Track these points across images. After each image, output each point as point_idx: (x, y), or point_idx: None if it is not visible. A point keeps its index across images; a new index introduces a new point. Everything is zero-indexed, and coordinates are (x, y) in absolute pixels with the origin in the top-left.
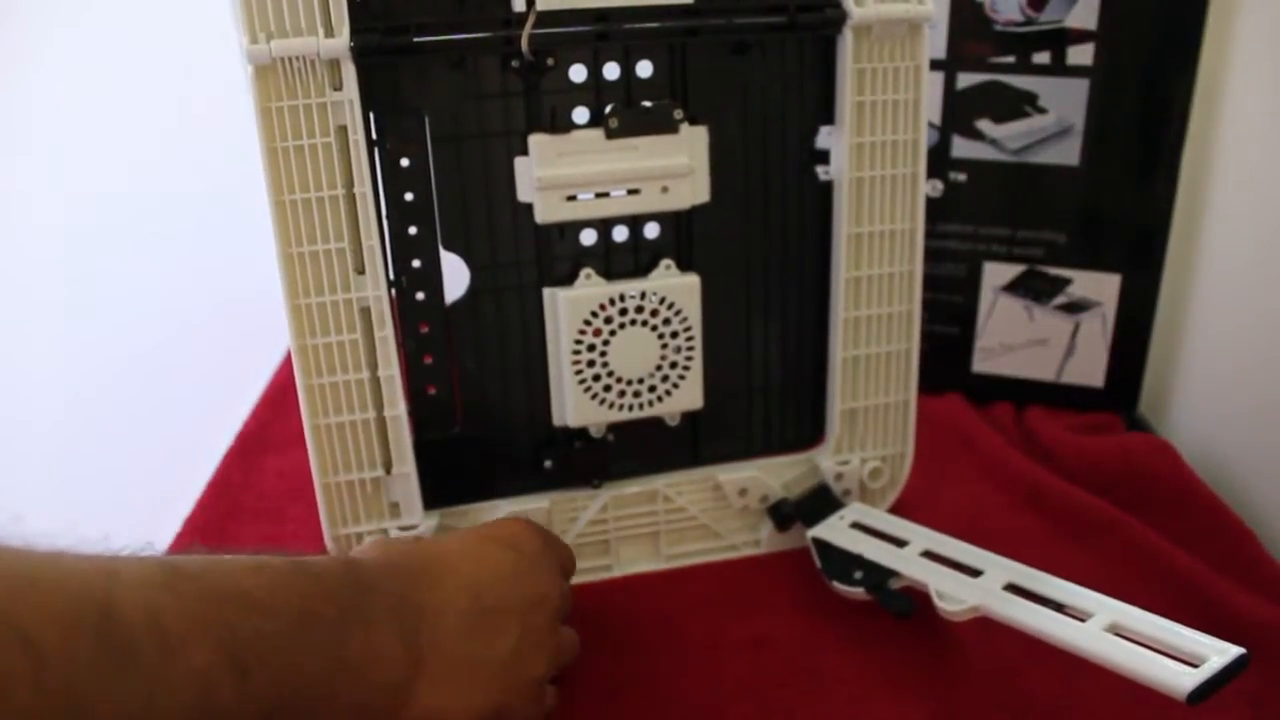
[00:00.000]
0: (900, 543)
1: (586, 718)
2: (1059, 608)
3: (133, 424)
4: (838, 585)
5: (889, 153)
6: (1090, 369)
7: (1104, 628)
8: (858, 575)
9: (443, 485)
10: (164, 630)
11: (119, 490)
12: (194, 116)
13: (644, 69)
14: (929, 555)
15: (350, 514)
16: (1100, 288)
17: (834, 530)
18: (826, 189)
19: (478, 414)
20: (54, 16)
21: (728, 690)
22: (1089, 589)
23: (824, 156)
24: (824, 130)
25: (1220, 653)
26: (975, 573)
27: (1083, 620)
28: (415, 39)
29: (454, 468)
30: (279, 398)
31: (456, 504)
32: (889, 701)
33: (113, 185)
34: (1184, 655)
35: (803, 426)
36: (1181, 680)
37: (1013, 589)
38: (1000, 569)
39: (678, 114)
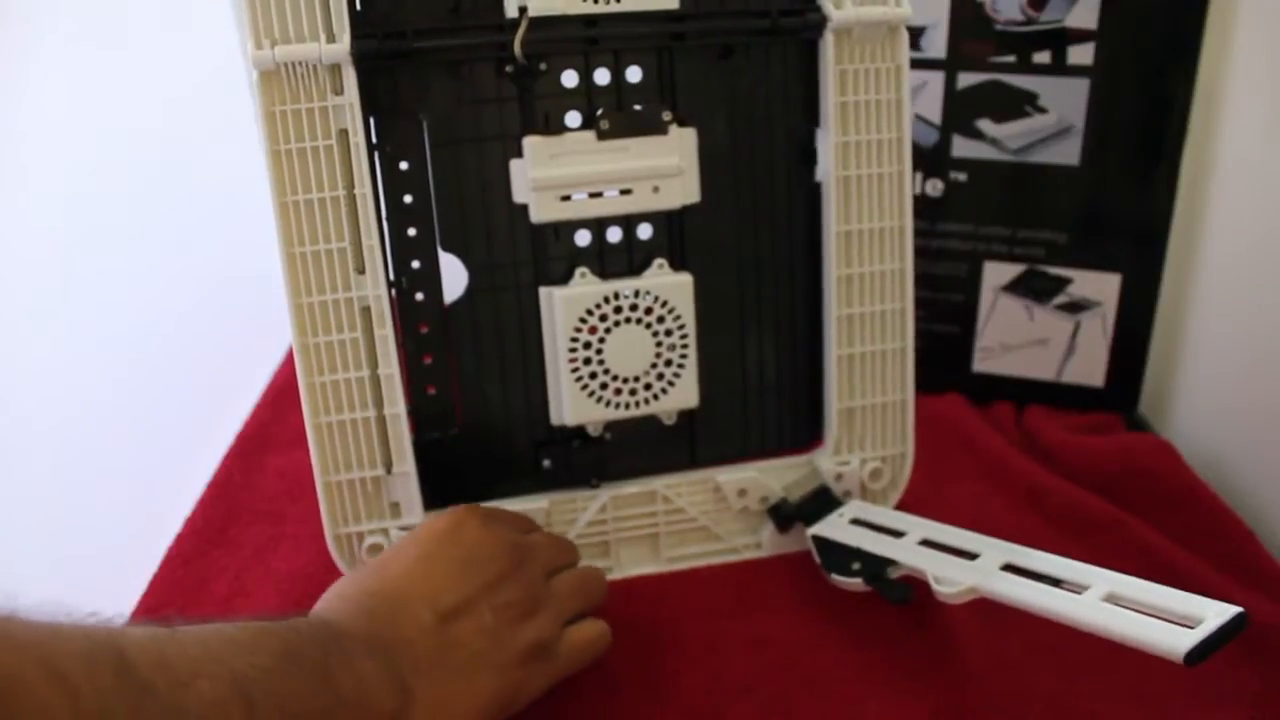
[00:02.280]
0: (898, 534)
1: (587, 717)
2: (1056, 583)
3: (133, 424)
4: (836, 578)
5: (874, 152)
6: (1090, 369)
7: (1101, 598)
8: (855, 566)
9: (443, 485)
10: (173, 668)
11: (119, 490)
12: (195, 117)
13: (633, 74)
14: (926, 543)
15: (351, 513)
16: (1100, 288)
17: (833, 526)
18: (816, 189)
19: (477, 413)
20: (57, 13)
21: (728, 690)
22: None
23: (815, 156)
24: (818, 132)
25: (1218, 614)
26: (972, 556)
27: (1079, 593)
28: (413, 45)
29: (454, 468)
30: (279, 397)
31: (457, 503)
32: (889, 701)
33: (114, 184)
34: (1182, 618)
35: (801, 427)
36: (1179, 641)
37: (1009, 568)
38: (996, 551)
39: (666, 115)
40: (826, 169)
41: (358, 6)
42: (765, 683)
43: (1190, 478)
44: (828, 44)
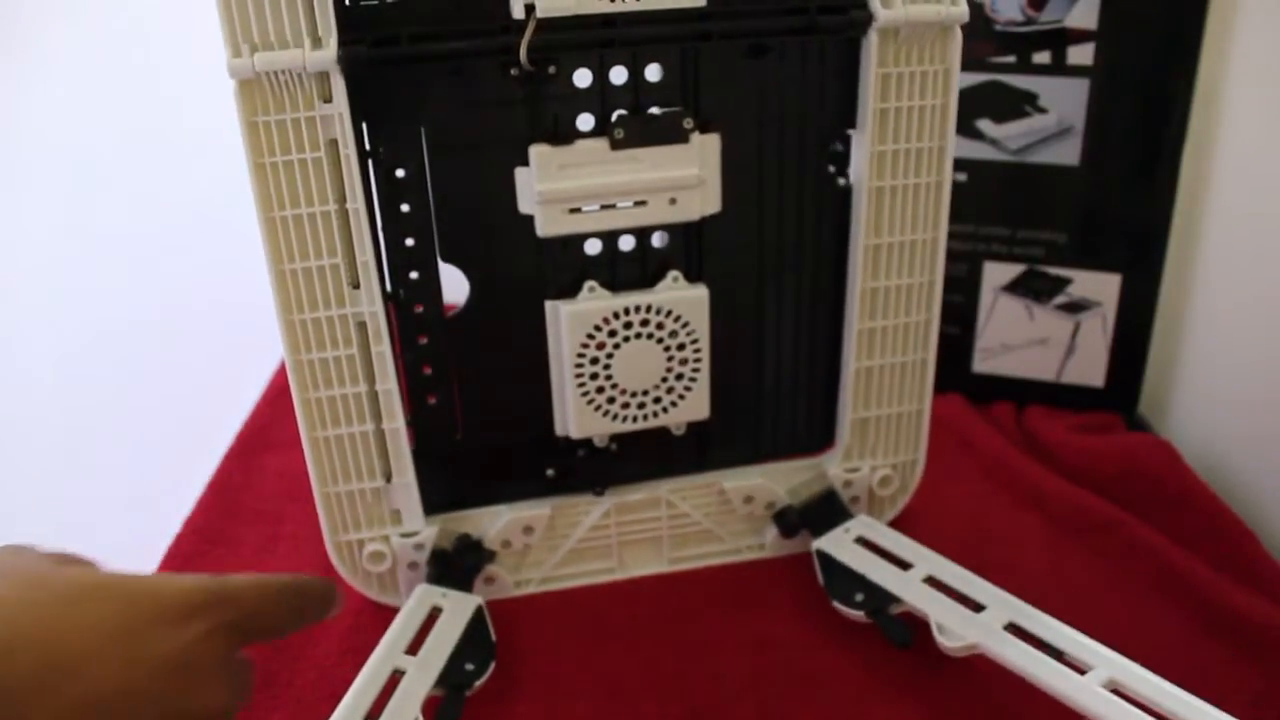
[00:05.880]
0: (904, 565)
1: (587, 716)
2: (1059, 654)
3: (133, 424)
4: (839, 606)
5: (912, 161)
6: (1090, 369)
7: (1102, 684)
8: (859, 597)
9: (444, 491)
10: None
11: (119, 491)
12: (196, 117)
13: (653, 73)
14: (932, 582)
15: (351, 522)
16: (1100, 288)
17: (838, 544)
18: (844, 196)
19: (478, 423)
20: (57, 14)
21: (728, 690)
22: (1095, 640)
23: (847, 163)
24: (852, 136)
25: None
26: (978, 607)
27: (1082, 672)
28: (407, 50)
29: (456, 474)
30: (279, 397)
31: (458, 509)
32: (889, 703)
33: (115, 180)
34: None
35: (813, 432)
36: None
37: (1013, 629)
38: (1002, 606)
39: (688, 123)
40: (858, 176)
41: (346, 3)
42: (766, 683)
43: (1190, 478)
44: (871, 44)
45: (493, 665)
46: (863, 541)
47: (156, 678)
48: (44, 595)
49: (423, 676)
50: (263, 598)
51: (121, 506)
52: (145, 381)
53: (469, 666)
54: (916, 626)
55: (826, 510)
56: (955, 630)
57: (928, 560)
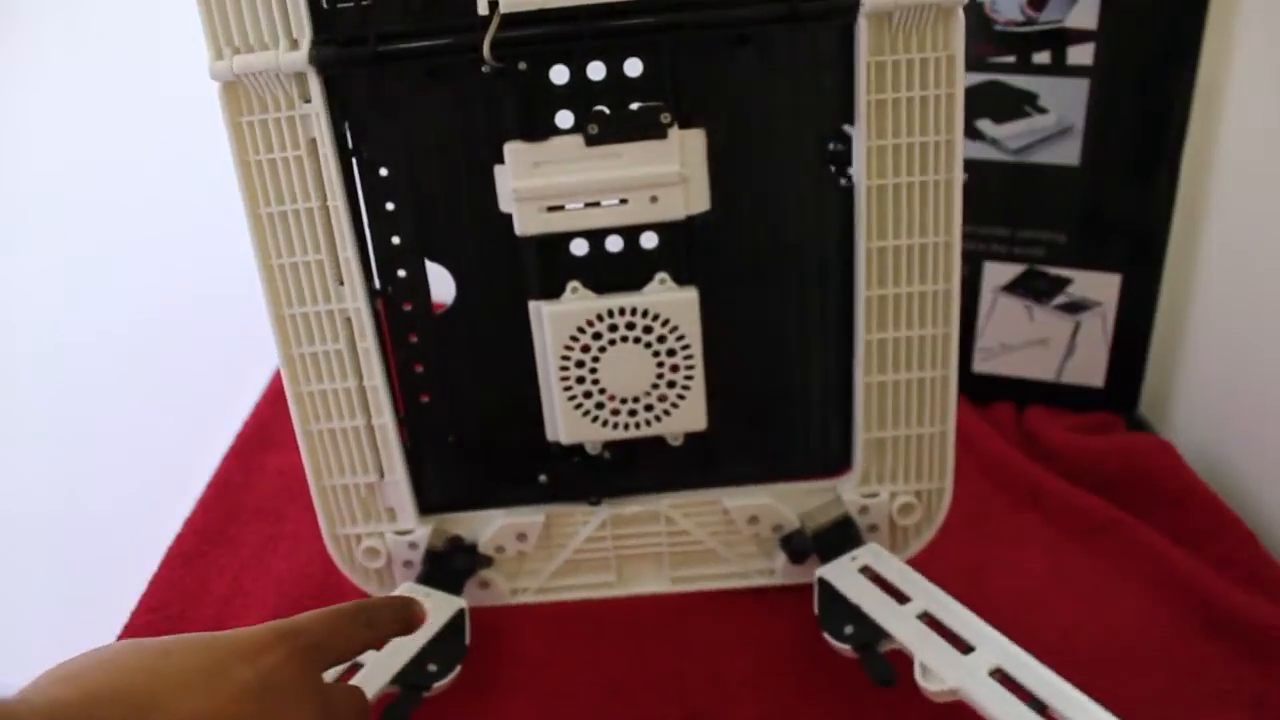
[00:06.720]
0: (902, 598)
1: (587, 717)
2: (1042, 708)
3: (133, 424)
4: (828, 638)
5: (916, 157)
6: (1090, 369)
7: None
8: (848, 630)
9: (439, 491)
10: None
11: (119, 490)
12: (197, 115)
13: (633, 67)
14: (926, 618)
15: (348, 516)
16: (1100, 288)
17: (842, 571)
18: (849, 195)
19: (471, 424)
20: (53, 19)
21: (728, 691)
22: (1084, 693)
23: (842, 160)
24: (852, 131)
25: None
26: (968, 649)
27: None
28: (378, 49)
29: (450, 474)
30: (279, 396)
31: (453, 510)
32: (889, 703)
33: (115, 182)
34: None
35: (831, 452)
36: None
37: (999, 675)
38: (992, 650)
39: (665, 118)
40: (859, 175)
41: (324, 6)
42: (766, 683)
43: (1190, 478)
44: (862, 31)
45: (459, 669)
46: (867, 571)
47: (238, 702)
48: (135, 658)
49: (379, 672)
50: (330, 623)
51: (121, 506)
52: (145, 381)
53: (431, 668)
54: (901, 669)
55: (839, 538)
56: (938, 672)
57: (928, 595)
